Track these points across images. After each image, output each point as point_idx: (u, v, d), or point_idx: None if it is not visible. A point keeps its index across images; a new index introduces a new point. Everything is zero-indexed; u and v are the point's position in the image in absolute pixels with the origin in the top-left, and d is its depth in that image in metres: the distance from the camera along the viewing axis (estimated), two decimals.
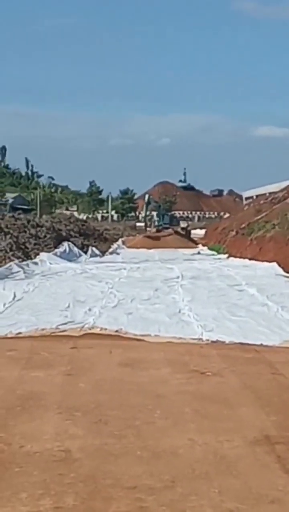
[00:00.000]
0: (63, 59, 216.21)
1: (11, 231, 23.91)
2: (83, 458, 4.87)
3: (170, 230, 41.68)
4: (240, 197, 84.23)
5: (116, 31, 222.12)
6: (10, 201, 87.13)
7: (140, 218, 51.82)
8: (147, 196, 47.93)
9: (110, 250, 32.75)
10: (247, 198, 65.27)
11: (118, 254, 31.41)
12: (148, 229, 43.69)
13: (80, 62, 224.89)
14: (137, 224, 49.78)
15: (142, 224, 46.00)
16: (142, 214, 47.60)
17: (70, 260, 23.61)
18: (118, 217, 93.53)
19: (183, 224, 46.32)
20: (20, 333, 9.68)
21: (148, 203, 46.14)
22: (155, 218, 47.57)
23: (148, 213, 47.17)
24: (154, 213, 49.67)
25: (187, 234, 42.51)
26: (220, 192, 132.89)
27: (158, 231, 42.31)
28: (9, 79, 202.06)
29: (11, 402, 6.21)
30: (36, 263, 20.48)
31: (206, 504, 4.12)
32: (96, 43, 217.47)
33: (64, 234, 30.13)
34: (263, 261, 22.56)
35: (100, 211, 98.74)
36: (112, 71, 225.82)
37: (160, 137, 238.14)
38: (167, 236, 40.14)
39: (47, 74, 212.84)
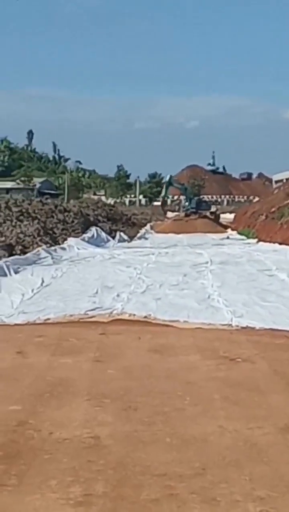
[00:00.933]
0: (88, 42, 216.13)
1: (38, 216, 23.97)
2: (112, 445, 4.85)
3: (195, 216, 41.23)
4: (270, 180, 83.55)
5: (142, 12, 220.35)
6: (38, 185, 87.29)
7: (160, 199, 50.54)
8: (168, 176, 46.80)
9: (138, 235, 32.70)
10: (277, 182, 64.69)
11: (146, 239, 31.35)
12: (169, 212, 43.19)
13: (106, 44, 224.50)
14: (154, 203, 49.28)
15: (159, 203, 45.23)
16: (162, 194, 46.67)
17: (98, 245, 23.63)
18: (146, 201, 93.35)
19: (212, 208, 45.88)
20: (48, 319, 9.70)
21: (169, 184, 45.22)
22: (183, 202, 47.27)
23: (169, 196, 45.99)
24: (182, 198, 49.30)
25: (216, 219, 42.21)
26: (249, 175, 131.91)
27: (186, 215, 42.10)
28: (35, 62, 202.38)
29: (40, 389, 6.22)
30: (64, 249, 20.51)
31: (237, 492, 4.08)
32: (121, 25, 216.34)
33: (92, 219, 30.17)
34: None
35: (128, 196, 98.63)
36: (139, 52, 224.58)
37: (188, 119, 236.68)
38: (194, 220, 39.92)
39: (73, 57, 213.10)
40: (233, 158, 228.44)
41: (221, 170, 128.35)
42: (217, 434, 5.07)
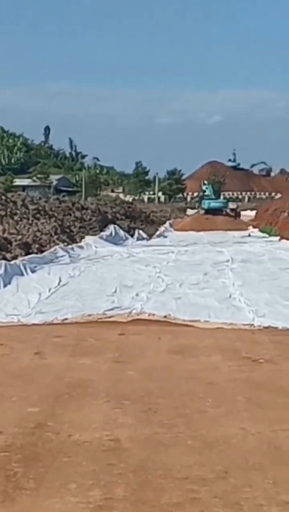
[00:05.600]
0: (107, 34, 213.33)
1: (55, 214, 23.94)
2: (132, 447, 4.78)
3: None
4: None
5: (164, 4, 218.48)
6: (54, 183, 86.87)
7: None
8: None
9: (157, 233, 32.57)
10: None
11: (165, 237, 31.25)
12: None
13: (126, 37, 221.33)
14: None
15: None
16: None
17: (116, 244, 23.55)
18: (165, 198, 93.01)
19: (232, 205, 45.73)
20: (66, 319, 9.61)
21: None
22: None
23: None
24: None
25: (236, 216, 42.07)
26: (268, 171, 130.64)
27: (206, 213, 42.03)
28: (52, 55, 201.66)
29: (58, 390, 6.16)
30: (81, 247, 20.44)
31: (260, 496, 4.00)
32: (143, 17, 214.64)
33: (110, 216, 30.12)
34: None
35: (147, 193, 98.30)
36: (160, 45, 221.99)
37: (210, 114, 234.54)
38: (215, 218, 39.86)
39: (91, 50, 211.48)
40: (255, 154, 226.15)
41: (242, 166, 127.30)
42: (239, 436, 4.99)
